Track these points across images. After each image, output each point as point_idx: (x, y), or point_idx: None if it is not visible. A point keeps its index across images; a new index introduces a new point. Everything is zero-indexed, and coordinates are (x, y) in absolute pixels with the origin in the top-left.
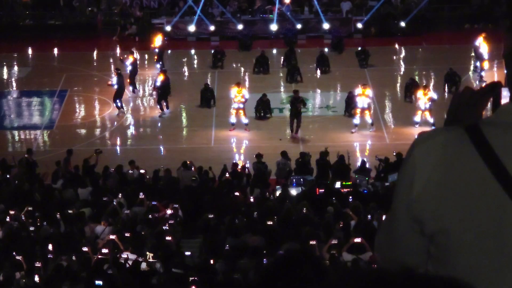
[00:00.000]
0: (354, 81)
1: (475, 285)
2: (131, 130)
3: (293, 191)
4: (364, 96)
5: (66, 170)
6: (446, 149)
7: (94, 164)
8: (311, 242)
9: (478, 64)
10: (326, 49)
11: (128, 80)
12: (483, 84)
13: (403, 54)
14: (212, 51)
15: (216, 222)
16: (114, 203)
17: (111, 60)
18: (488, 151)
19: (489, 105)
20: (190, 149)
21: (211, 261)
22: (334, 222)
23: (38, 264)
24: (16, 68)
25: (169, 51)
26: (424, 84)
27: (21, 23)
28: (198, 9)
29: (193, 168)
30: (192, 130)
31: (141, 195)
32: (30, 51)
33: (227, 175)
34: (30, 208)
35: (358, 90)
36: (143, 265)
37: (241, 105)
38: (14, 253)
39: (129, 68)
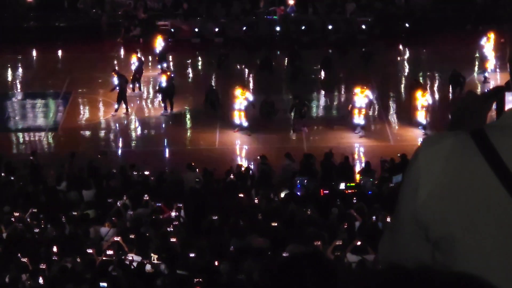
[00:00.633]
0: (358, 82)
1: None
2: (135, 132)
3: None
4: (362, 95)
5: (70, 172)
6: (451, 154)
7: (99, 166)
8: (315, 243)
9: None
10: (329, 50)
11: (131, 77)
12: (487, 85)
13: (407, 55)
14: (216, 53)
15: (221, 224)
16: (119, 204)
17: (115, 62)
18: (494, 157)
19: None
20: (194, 150)
21: (216, 263)
22: (339, 223)
23: (42, 266)
24: (20, 70)
25: (169, 53)
26: (422, 86)
27: (25, 25)
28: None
29: (197, 170)
30: (196, 132)
31: (146, 197)
32: (34, 52)
33: (231, 176)
34: (34, 210)
35: (357, 90)
36: (148, 267)
37: (242, 107)
38: (19, 255)
39: (134, 66)
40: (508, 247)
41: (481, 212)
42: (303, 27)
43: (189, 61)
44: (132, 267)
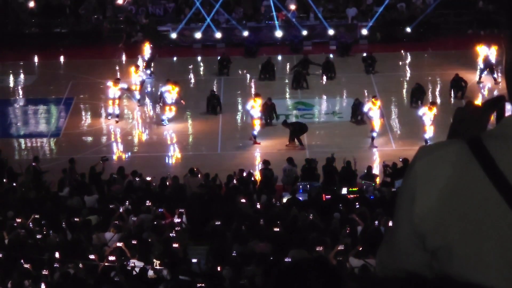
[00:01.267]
0: (360, 87)
1: None
2: (137, 138)
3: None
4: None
5: (72, 178)
6: (448, 163)
7: (101, 172)
8: (317, 248)
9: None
10: (331, 55)
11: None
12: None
13: (408, 59)
14: (218, 58)
15: (223, 229)
16: (121, 210)
17: (117, 68)
18: (491, 165)
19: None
20: (196, 156)
21: (218, 268)
22: (341, 228)
23: (45, 272)
24: (22, 76)
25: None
26: (431, 101)
27: (27, 31)
28: (209, 16)
29: (199, 175)
30: (198, 137)
31: (148, 203)
32: (36, 59)
33: (234, 181)
34: (37, 216)
35: (369, 105)
36: (150, 272)
37: (255, 116)
38: (22, 261)
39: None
40: (506, 256)
41: (479, 221)
42: (304, 32)
43: (191, 66)
44: (135, 272)
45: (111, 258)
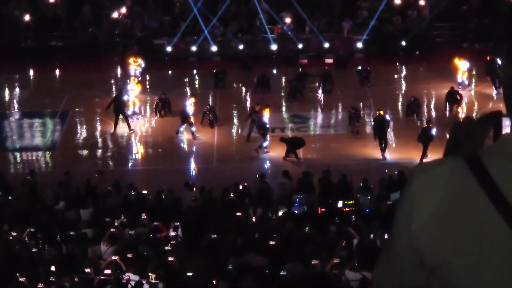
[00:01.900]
0: (355, 100)
1: None
2: (133, 151)
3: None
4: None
5: (67, 191)
6: (446, 180)
7: (96, 185)
8: (313, 261)
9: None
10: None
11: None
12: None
13: (404, 72)
14: (214, 71)
15: (219, 242)
16: (116, 224)
17: (112, 81)
18: (489, 183)
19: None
20: (192, 169)
21: (214, 281)
22: (337, 241)
23: (40, 286)
24: (17, 89)
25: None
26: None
27: (23, 44)
28: (206, 28)
29: (194, 189)
30: (193, 150)
31: (143, 216)
32: (31, 72)
33: (230, 195)
34: (32, 230)
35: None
36: (146, 286)
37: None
38: (17, 275)
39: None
40: (504, 275)
41: (477, 239)
42: (300, 46)
43: (186, 79)
44: (130, 286)
45: (107, 271)
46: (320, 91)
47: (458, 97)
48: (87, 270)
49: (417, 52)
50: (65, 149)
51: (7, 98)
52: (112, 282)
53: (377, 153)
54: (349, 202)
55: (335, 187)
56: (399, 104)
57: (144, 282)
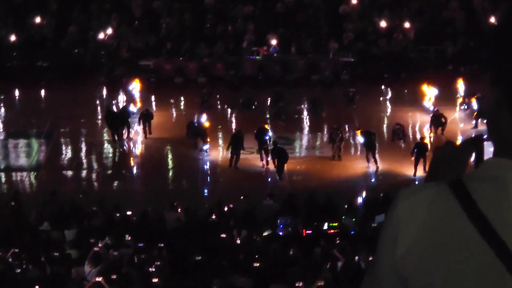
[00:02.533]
0: (341, 122)
1: None
2: (118, 171)
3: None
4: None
5: (52, 211)
6: (430, 206)
7: (81, 205)
8: (298, 284)
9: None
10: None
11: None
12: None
13: (389, 95)
14: (200, 92)
15: (204, 264)
16: (100, 245)
17: (97, 102)
18: (473, 208)
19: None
20: (177, 189)
21: None
22: (322, 263)
23: None
24: (3, 109)
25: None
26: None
27: (8, 64)
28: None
29: (179, 210)
30: (179, 171)
31: (128, 237)
32: (17, 92)
33: (213, 216)
34: (16, 250)
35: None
36: None
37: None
38: None
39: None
40: None
41: (461, 264)
42: (286, 67)
43: (172, 100)
44: None
45: None
46: (305, 113)
47: (443, 120)
48: None
49: (402, 75)
50: (50, 170)
51: None
52: None
53: (362, 174)
54: (334, 224)
55: (320, 209)
56: (384, 126)
57: None
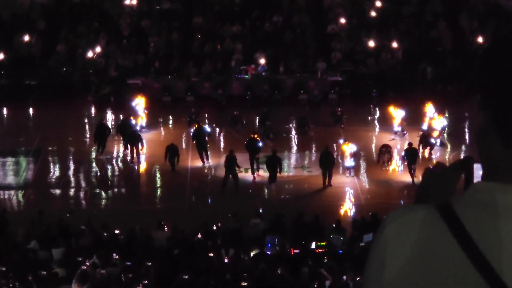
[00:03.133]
0: (329, 141)
1: None
2: (105, 190)
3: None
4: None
5: (39, 230)
6: (418, 229)
7: (68, 224)
8: None
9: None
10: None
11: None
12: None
13: (377, 114)
14: (188, 111)
15: (191, 282)
16: (87, 263)
17: (86, 120)
18: (462, 232)
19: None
20: (164, 209)
21: None
22: (309, 282)
23: None
24: None
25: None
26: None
27: None
28: (178, 69)
29: (166, 228)
30: (166, 190)
31: (115, 256)
32: (5, 110)
33: (199, 235)
34: (3, 269)
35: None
36: None
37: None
38: None
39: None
40: None
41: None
42: (274, 86)
43: (160, 119)
44: None
45: None
46: (293, 132)
47: (432, 141)
48: None
49: (390, 94)
50: (38, 188)
51: None
52: None
53: (350, 194)
54: (322, 243)
55: (308, 228)
56: (373, 145)
57: None
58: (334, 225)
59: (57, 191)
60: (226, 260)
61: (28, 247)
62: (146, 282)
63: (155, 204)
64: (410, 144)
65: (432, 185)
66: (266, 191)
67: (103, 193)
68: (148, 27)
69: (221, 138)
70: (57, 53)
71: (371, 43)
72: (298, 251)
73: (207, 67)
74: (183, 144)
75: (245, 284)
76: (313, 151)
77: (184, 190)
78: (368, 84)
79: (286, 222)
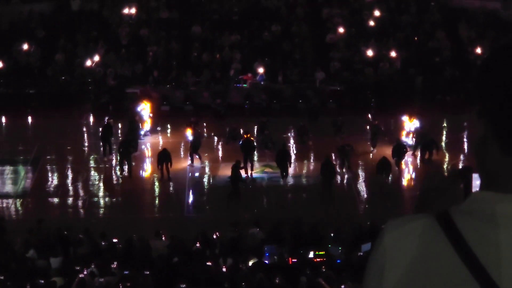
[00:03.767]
0: (328, 150)
1: None
2: (103, 199)
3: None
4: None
5: (37, 238)
6: (417, 238)
7: (66, 233)
8: None
9: None
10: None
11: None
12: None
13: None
14: (187, 120)
15: None
16: (85, 272)
17: (84, 129)
18: (461, 242)
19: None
20: (162, 218)
21: None
22: None
23: None
24: None
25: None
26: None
27: None
28: (177, 78)
29: (164, 238)
30: (164, 199)
31: (113, 265)
32: (3, 119)
33: (197, 244)
34: (1, 278)
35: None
36: None
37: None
38: None
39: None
40: None
41: None
42: (272, 95)
43: (159, 128)
44: None
45: None
46: (292, 141)
47: (434, 146)
48: None
49: (388, 103)
50: (36, 197)
51: None
52: None
53: (348, 203)
54: (320, 252)
55: (306, 237)
56: (371, 156)
57: None
58: (332, 235)
59: (55, 200)
60: (224, 269)
61: (26, 256)
62: None
63: (153, 213)
64: (397, 139)
65: (431, 195)
66: (264, 200)
67: (101, 202)
68: (147, 36)
69: (219, 148)
70: (55, 62)
71: (370, 53)
72: (296, 260)
73: (206, 76)
74: (181, 153)
75: None
76: (312, 160)
77: (183, 199)
78: (367, 94)
79: (284, 231)
